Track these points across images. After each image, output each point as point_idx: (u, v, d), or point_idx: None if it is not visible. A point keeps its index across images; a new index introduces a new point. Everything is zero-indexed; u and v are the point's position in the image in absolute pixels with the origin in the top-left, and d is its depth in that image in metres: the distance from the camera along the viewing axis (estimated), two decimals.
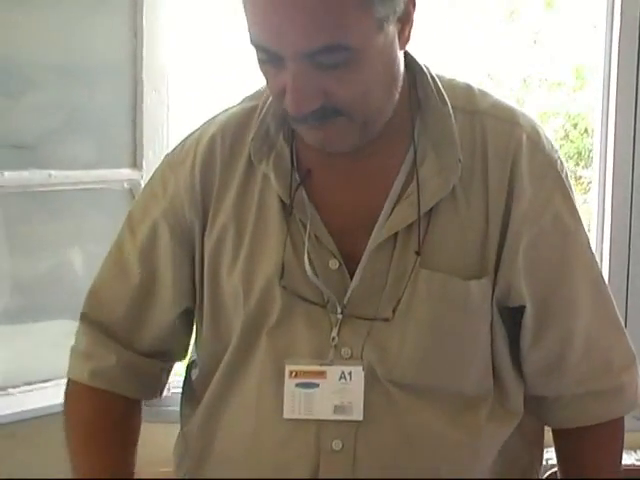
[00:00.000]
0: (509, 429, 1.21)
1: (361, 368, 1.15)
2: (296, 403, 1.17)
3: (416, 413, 1.16)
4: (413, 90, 1.17)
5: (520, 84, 4.11)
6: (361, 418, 1.15)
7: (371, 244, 1.15)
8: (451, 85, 1.18)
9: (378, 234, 1.15)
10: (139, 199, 1.30)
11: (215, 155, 1.21)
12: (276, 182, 1.17)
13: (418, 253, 1.14)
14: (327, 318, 1.16)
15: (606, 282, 1.24)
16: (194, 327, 1.29)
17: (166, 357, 1.30)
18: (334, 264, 1.16)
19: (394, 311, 1.14)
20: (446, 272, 1.15)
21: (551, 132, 3.94)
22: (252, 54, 1.08)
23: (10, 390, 2.32)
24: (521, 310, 1.19)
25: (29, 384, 2.33)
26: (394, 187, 1.16)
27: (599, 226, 2.73)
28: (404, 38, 1.09)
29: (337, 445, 1.16)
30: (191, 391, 1.30)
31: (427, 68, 1.18)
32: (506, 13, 4.22)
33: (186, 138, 1.27)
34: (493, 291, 1.16)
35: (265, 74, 1.09)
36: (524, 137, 1.16)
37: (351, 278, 1.16)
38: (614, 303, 1.24)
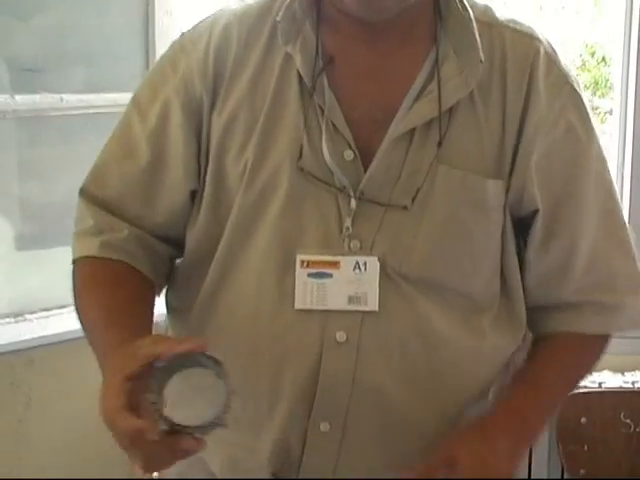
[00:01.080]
0: (513, 342, 1.23)
1: (376, 259, 1.15)
2: (308, 294, 1.15)
3: (423, 309, 1.16)
4: (437, 2, 1.19)
5: (536, 11, 4.02)
6: (377, 308, 1.15)
7: (389, 137, 1.15)
8: (471, 2, 1.21)
9: (396, 128, 1.16)
10: (145, 83, 1.27)
11: (231, 39, 1.20)
12: (301, 63, 1.17)
13: (440, 144, 1.15)
14: (337, 206, 1.16)
15: (619, 203, 1.25)
16: None
17: (176, 244, 1.26)
18: (349, 155, 1.16)
19: (413, 200, 1.15)
20: (464, 168, 1.16)
21: (568, 61, 3.86)
22: None
23: (27, 316, 2.32)
24: (531, 219, 1.20)
25: (46, 310, 2.32)
26: (415, 84, 1.17)
27: (619, 155, 2.71)
28: None
29: (341, 337, 1.15)
30: (181, 281, 1.27)
31: None
32: None
33: (197, 24, 1.26)
34: (506, 197, 1.18)
35: None
36: (542, 50, 1.19)
37: (365, 171, 1.16)
38: (626, 225, 1.25)
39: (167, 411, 0.95)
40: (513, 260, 1.22)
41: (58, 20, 2.25)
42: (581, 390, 2.56)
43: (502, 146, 1.17)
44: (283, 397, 1.17)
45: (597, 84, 3.81)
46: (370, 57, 1.18)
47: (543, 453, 2.61)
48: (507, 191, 1.18)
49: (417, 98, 1.17)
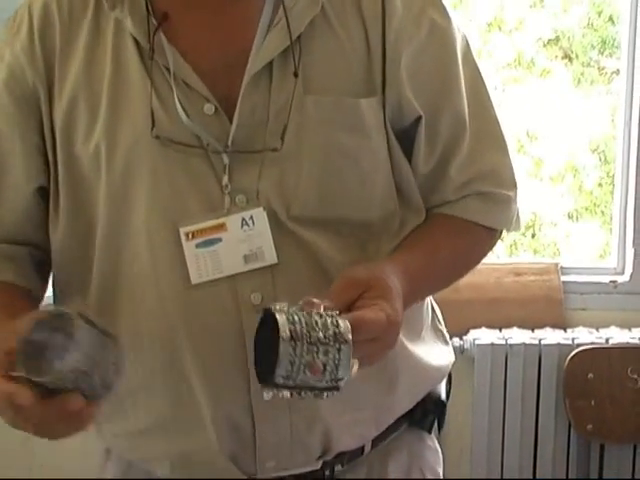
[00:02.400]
0: None
1: (262, 209, 1.09)
2: (202, 265, 1.09)
3: (325, 249, 1.11)
4: None
5: None
6: (276, 260, 1.10)
7: (246, 76, 1.09)
8: None
9: (252, 66, 1.09)
10: None
11: (52, 17, 1.13)
12: (132, 26, 1.09)
13: (296, 74, 1.08)
14: (211, 166, 1.09)
15: (490, 96, 1.23)
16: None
17: (32, 243, 1.19)
18: (209, 109, 1.10)
19: (282, 139, 1.08)
20: (333, 93, 1.10)
21: (575, 20, 3.81)
22: None
23: None
24: (415, 128, 1.17)
25: None
26: (262, 18, 1.11)
27: (626, 115, 2.70)
28: None
29: (256, 298, 1.10)
30: (62, 287, 1.19)
31: None
32: None
33: (16, 11, 1.18)
34: (384, 112, 1.13)
35: None
36: None
37: (231, 121, 1.09)
38: (498, 121, 1.22)
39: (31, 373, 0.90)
40: (406, 173, 1.17)
41: None
42: (588, 346, 2.57)
43: (369, 60, 1.12)
44: (214, 375, 1.11)
45: (604, 43, 3.78)
46: (207, 2, 1.11)
47: (550, 408, 2.62)
48: (384, 106, 1.13)
49: (268, 31, 1.10)
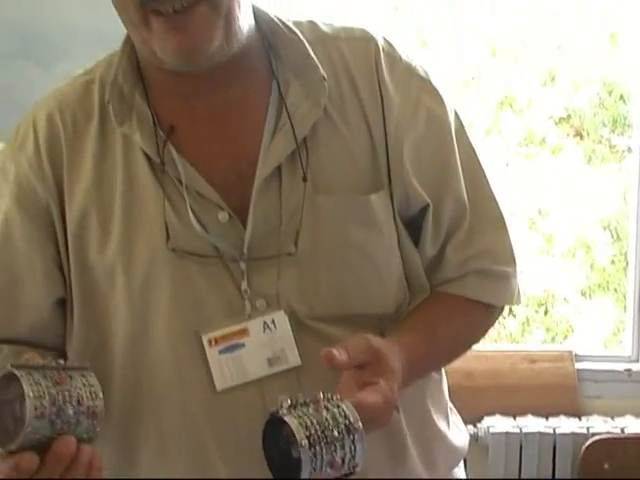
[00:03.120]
0: None
1: (283, 312, 1.09)
2: (226, 371, 1.09)
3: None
4: (262, 31, 1.15)
5: (553, 51, 4.00)
6: (299, 362, 1.10)
7: (256, 183, 1.09)
8: (295, 22, 1.17)
9: (261, 172, 1.10)
10: None
11: (57, 131, 1.13)
12: (142, 141, 1.10)
13: (305, 179, 1.09)
14: (229, 273, 1.09)
15: (485, 174, 1.22)
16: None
17: (50, 348, 1.17)
18: (224, 217, 1.10)
19: (296, 243, 1.09)
20: (343, 191, 1.11)
21: (585, 99, 3.83)
22: None
23: None
24: (422, 216, 1.18)
25: None
26: (267, 124, 1.12)
27: (639, 192, 2.70)
28: None
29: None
30: None
31: (266, 11, 1.16)
32: None
33: (18, 126, 1.18)
34: (392, 203, 1.14)
35: None
36: (380, 49, 1.16)
37: (245, 227, 1.09)
38: (495, 197, 1.22)
39: None
40: (415, 260, 1.18)
41: (80, 66, 2.24)
42: (603, 435, 2.53)
43: (375, 155, 1.13)
44: (243, 477, 1.10)
45: (615, 122, 3.80)
46: (213, 112, 1.12)
47: None
48: (392, 198, 1.14)
49: (273, 136, 1.11)
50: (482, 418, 2.64)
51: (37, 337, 1.16)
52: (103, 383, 1.11)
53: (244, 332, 1.10)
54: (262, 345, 1.10)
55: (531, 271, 3.75)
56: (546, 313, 3.86)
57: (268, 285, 1.10)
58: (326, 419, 0.92)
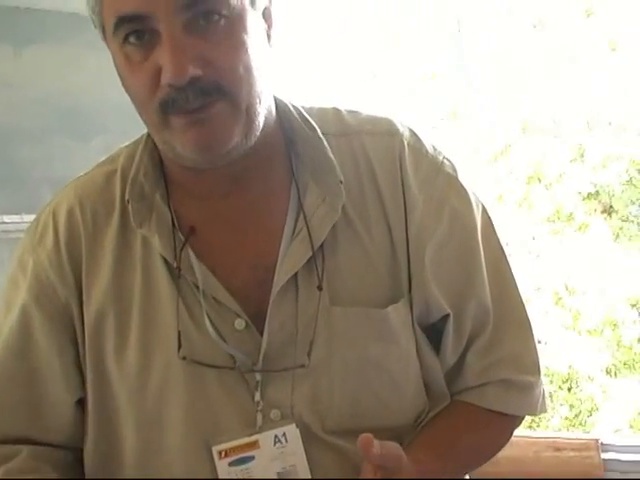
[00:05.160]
0: None
1: (294, 426, 1.04)
2: None
3: (354, 458, 1.04)
4: (283, 126, 1.10)
5: (584, 127, 3.99)
6: (309, 477, 1.05)
7: (273, 291, 1.04)
8: (320, 112, 1.12)
9: (278, 280, 1.05)
10: None
11: (77, 227, 1.09)
12: (160, 245, 1.05)
13: (320, 288, 1.04)
14: (244, 382, 1.05)
15: (514, 279, 1.16)
16: None
17: (70, 447, 1.12)
18: (240, 324, 1.05)
19: (309, 355, 1.04)
20: (360, 304, 1.06)
21: (614, 176, 3.81)
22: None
23: None
24: (442, 324, 1.12)
25: None
26: (285, 228, 1.07)
27: None
28: (270, 42, 1.05)
29: None
30: None
31: (288, 101, 1.11)
32: (569, 55, 4.12)
33: (38, 216, 1.13)
34: (412, 311, 1.08)
35: (132, 72, 0.99)
36: (405, 145, 1.10)
37: (261, 334, 1.05)
38: (523, 303, 1.15)
39: None
40: (434, 368, 1.12)
41: (117, 140, 2.26)
42: None
43: (394, 260, 1.07)
44: None
45: None
46: (233, 215, 1.07)
47: None
48: (411, 306, 1.08)
49: (291, 241, 1.06)
50: None
51: (58, 438, 1.11)
52: None
53: (254, 445, 1.05)
54: (272, 459, 1.06)
55: (556, 347, 3.70)
56: (570, 390, 3.79)
57: (282, 397, 1.05)
58: None
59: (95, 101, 2.21)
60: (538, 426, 3.36)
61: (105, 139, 2.34)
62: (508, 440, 1.18)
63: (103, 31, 1.02)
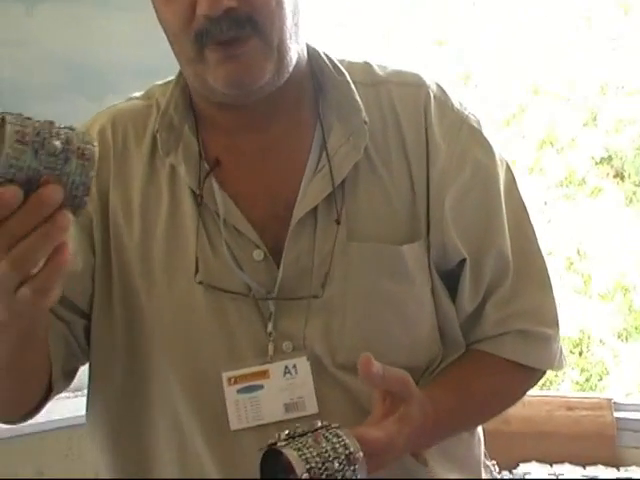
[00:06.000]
0: None
1: (305, 358, 1.06)
2: (242, 411, 1.05)
3: (369, 394, 1.04)
4: (312, 69, 1.12)
5: (597, 91, 3.96)
6: (317, 410, 1.05)
7: (292, 224, 1.06)
8: (349, 64, 1.14)
9: (297, 212, 1.07)
10: None
11: (107, 145, 1.11)
12: (186, 173, 1.08)
13: (338, 222, 1.06)
14: (258, 312, 1.06)
15: (534, 230, 1.16)
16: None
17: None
18: (259, 255, 1.07)
19: (323, 287, 1.05)
20: (376, 240, 1.07)
21: (627, 141, 3.78)
22: None
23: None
24: (459, 270, 1.12)
25: None
26: (308, 165, 1.09)
27: None
28: None
29: None
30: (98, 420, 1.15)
31: (320, 49, 1.14)
32: (583, 19, 4.07)
33: None
34: (429, 254, 1.09)
35: (168, 4, 1.01)
36: (431, 96, 1.12)
37: (278, 267, 1.06)
38: (542, 255, 1.15)
39: None
40: (450, 314, 1.12)
41: None
42: None
43: (414, 203, 1.09)
44: None
45: None
46: (257, 149, 1.10)
47: None
48: (428, 249, 1.09)
49: (312, 177, 1.08)
50: (518, 464, 2.58)
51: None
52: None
53: (264, 374, 1.06)
54: (281, 390, 1.06)
55: (567, 311, 3.69)
56: (581, 354, 3.79)
57: (295, 328, 1.06)
58: (326, 450, 0.88)
59: (106, 59, 2.21)
60: (549, 389, 3.36)
61: (116, 98, 2.32)
62: (524, 393, 1.18)
63: None
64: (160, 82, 1.18)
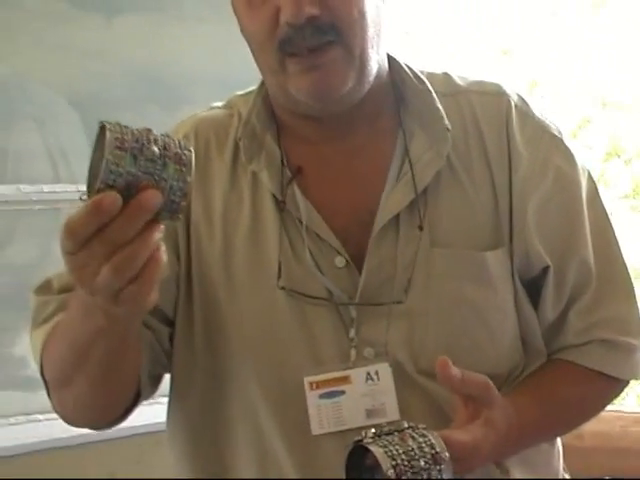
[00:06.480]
0: None
1: (387, 364, 1.06)
2: (323, 416, 1.06)
3: (451, 400, 1.04)
4: (393, 78, 1.13)
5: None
6: (398, 417, 1.04)
7: (374, 231, 1.06)
8: (429, 74, 1.15)
9: (379, 220, 1.07)
10: None
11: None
12: (269, 179, 1.09)
13: (421, 228, 1.06)
14: (340, 317, 1.07)
15: (617, 240, 1.15)
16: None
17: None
18: (340, 262, 1.07)
19: (406, 292, 1.05)
20: (459, 247, 1.07)
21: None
22: None
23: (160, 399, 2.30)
24: (542, 279, 1.11)
25: None
26: (390, 173, 1.09)
27: None
28: (384, 6, 1.08)
29: None
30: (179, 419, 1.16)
31: (400, 59, 1.14)
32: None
33: None
34: (512, 262, 1.09)
35: (252, 13, 1.03)
36: (512, 105, 1.12)
37: (360, 274, 1.06)
38: (625, 265, 1.15)
39: None
40: (532, 322, 1.11)
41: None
42: None
43: (496, 211, 1.09)
44: None
45: None
46: (339, 158, 1.10)
47: None
48: (511, 256, 1.09)
49: (395, 184, 1.08)
50: None
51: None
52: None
53: (346, 379, 1.07)
54: (362, 395, 1.06)
55: None
56: None
57: (377, 334, 1.07)
58: (412, 449, 0.88)
59: (182, 70, 2.23)
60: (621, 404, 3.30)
61: (192, 109, 2.34)
62: (607, 403, 1.17)
63: None
64: (240, 92, 1.19)
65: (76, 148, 2.17)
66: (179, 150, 0.81)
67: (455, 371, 0.95)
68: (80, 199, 0.79)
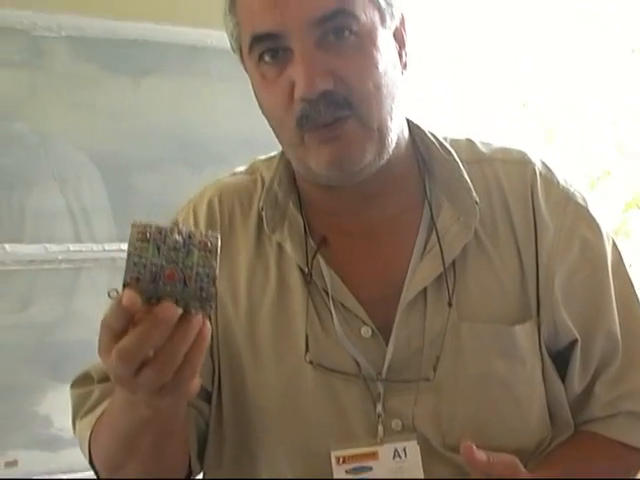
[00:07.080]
0: None
1: (415, 442, 1.06)
2: None
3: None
4: (416, 148, 1.14)
5: None
6: None
7: (401, 304, 1.06)
8: (452, 141, 1.15)
9: (407, 293, 1.07)
10: None
11: (216, 217, 1.14)
12: (292, 249, 1.09)
13: (450, 304, 1.05)
14: (367, 392, 1.06)
15: None
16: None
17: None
18: (367, 332, 1.07)
19: (434, 369, 1.05)
20: (487, 321, 1.07)
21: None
22: None
23: None
24: (569, 351, 1.11)
25: None
26: (416, 245, 1.09)
27: None
28: (402, 62, 1.07)
29: None
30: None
31: (421, 125, 1.13)
32: None
33: (178, 211, 1.18)
34: (539, 334, 1.08)
35: (267, 89, 1.03)
36: (537, 174, 1.13)
37: (387, 344, 1.06)
38: None
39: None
40: (560, 394, 1.11)
41: (229, 171, 2.30)
42: None
43: (523, 283, 1.09)
44: None
45: None
46: (364, 229, 1.10)
47: None
48: (539, 329, 1.09)
49: (422, 258, 1.08)
50: None
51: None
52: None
53: (374, 455, 1.07)
54: (390, 472, 1.07)
55: None
56: None
57: (404, 407, 1.07)
58: None
59: (207, 131, 2.25)
60: None
61: (216, 169, 2.37)
62: (635, 475, 1.17)
63: (241, 55, 1.06)
64: (263, 157, 1.20)
65: (98, 208, 2.18)
66: (204, 238, 0.83)
67: (481, 455, 0.95)
68: (108, 295, 0.80)
